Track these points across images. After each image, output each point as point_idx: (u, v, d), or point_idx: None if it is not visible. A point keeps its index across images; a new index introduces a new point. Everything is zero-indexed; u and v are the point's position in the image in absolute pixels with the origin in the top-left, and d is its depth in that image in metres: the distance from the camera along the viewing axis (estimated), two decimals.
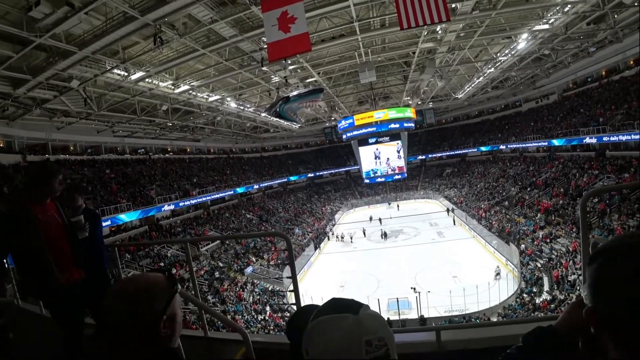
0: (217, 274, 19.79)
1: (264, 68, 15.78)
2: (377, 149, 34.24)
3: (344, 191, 44.73)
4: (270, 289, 20.70)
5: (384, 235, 27.40)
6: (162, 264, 18.48)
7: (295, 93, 18.22)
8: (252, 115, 26.07)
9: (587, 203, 2.23)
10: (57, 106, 16.23)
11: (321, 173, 45.47)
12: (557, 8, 14.15)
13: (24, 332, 2.98)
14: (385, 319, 0.76)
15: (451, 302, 15.50)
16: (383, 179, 36.34)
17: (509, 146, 32.43)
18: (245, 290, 19.60)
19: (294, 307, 2.62)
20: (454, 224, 28.64)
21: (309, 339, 0.66)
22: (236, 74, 16.77)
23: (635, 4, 14.18)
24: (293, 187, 43.83)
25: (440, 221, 29.89)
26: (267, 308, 18.44)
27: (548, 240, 18.29)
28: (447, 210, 31.67)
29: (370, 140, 33.43)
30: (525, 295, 15.77)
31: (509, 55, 19.07)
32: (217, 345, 2.86)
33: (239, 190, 32.13)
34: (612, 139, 19.31)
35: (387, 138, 33.05)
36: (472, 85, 26.15)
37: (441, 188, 39.08)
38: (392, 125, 30.61)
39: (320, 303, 0.77)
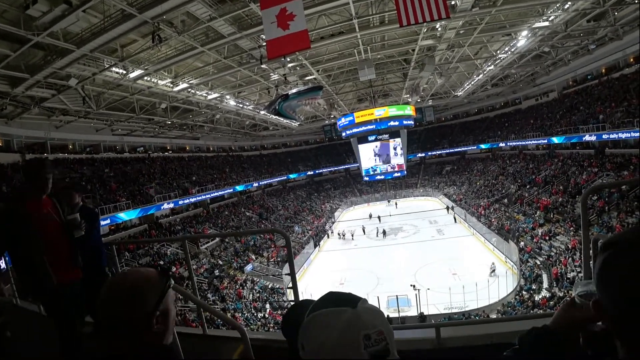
0: (216, 272, 19.80)
1: (263, 66, 15.72)
2: (376, 147, 34.23)
3: (343, 189, 44.76)
4: (269, 286, 20.72)
5: (383, 233, 27.41)
6: (161, 262, 18.48)
7: (294, 91, 18.16)
8: (251, 113, 26.03)
9: (587, 200, 2.22)
10: (56, 105, 16.17)
11: (321, 171, 45.44)
12: (557, 5, 14.08)
13: (23, 331, 2.97)
14: (385, 316, 0.74)
15: (451, 299, 15.51)
16: (382, 177, 36.35)
17: (508, 144, 32.41)
18: (245, 288, 19.62)
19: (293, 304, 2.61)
20: (455, 221, 28.67)
21: (304, 333, 0.64)
22: (235, 71, 16.73)
23: (635, 1, 14.14)
24: (292, 185, 43.86)
25: (439, 219, 29.91)
26: (267, 306, 18.48)
27: (547, 238, 18.32)
28: (447, 208, 31.70)
29: (370, 138, 33.42)
30: (524, 292, 15.81)
31: (509, 52, 19.02)
32: (216, 343, 2.85)
33: (239, 188, 32.09)
34: (611, 136, 19.30)
35: (387, 136, 33.08)
36: (472, 82, 26.09)
37: (440, 186, 39.13)
38: (392, 123, 30.54)
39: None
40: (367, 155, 34.74)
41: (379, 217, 31.46)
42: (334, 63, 18.88)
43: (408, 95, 29.17)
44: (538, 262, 17.38)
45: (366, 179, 36.94)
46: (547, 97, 30.48)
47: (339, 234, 29.77)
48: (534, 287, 15.90)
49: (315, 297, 0.74)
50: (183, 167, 29.33)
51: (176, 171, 27.76)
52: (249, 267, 21.94)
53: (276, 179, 40.41)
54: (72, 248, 2.34)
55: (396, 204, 37.36)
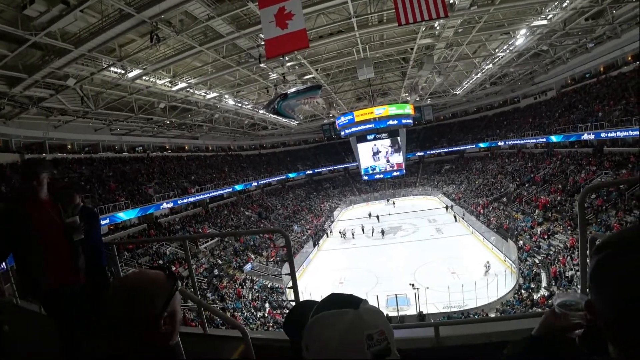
0: (216, 272, 19.81)
1: (262, 65, 15.68)
2: (375, 146, 34.25)
3: (342, 188, 44.76)
4: (269, 286, 20.75)
5: (382, 232, 27.44)
6: (160, 262, 18.46)
7: (293, 90, 18.13)
8: (250, 113, 25.99)
9: (585, 199, 2.23)
10: (54, 105, 16.10)
11: (320, 170, 45.44)
12: (556, 3, 14.09)
13: (23, 331, 2.98)
14: (385, 315, 0.77)
15: (450, 298, 15.56)
16: (382, 176, 36.34)
17: (507, 142, 32.44)
18: (245, 287, 19.63)
19: (293, 304, 2.62)
20: (455, 220, 28.73)
21: (309, 334, 0.66)
22: (234, 71, 16.70)
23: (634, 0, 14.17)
24: (291, 184, 43.85)
25: (438, 217, 29.96)
26: (267, 305, 18.49)
27: (546, 237, 18.37)
28: (446, 207, 31.76)
29: (369, 137, 33.41)
30: (523, 291, 15.86)
31: (507, 51, 19.02)
32: (217, 342, 2.86)
33: (238, 187, 32.08)
34: (610, 135, 19.33)
35: (386, 135, 33.08)
36: (471, 81, 26.11)
37: (439, 184, 39.16)
38: (391, 122, 30.52)
39: (319, 299, 0.77)
40: (366, 154, 34.74)
41: (377, 217, 31.47)
42: (332, 62, 18.86)
43: (407, 94, 29.18)
44: (537, 261, 17.42)
45: (365, 178, 36.94)
46: (546, 96, 30.52)
47: (340, 233, 29.83)
48: (532, 285, 15.94)
49: (315, 297, 0.75)
50: (182, 167, 29.30)
51: (175, 171, 27.73)
52: (248, 267, 21.95)
53: (275, 178, 40.41)
54: (73, 250, 2.34)
55: (394, 203, 37.37)
